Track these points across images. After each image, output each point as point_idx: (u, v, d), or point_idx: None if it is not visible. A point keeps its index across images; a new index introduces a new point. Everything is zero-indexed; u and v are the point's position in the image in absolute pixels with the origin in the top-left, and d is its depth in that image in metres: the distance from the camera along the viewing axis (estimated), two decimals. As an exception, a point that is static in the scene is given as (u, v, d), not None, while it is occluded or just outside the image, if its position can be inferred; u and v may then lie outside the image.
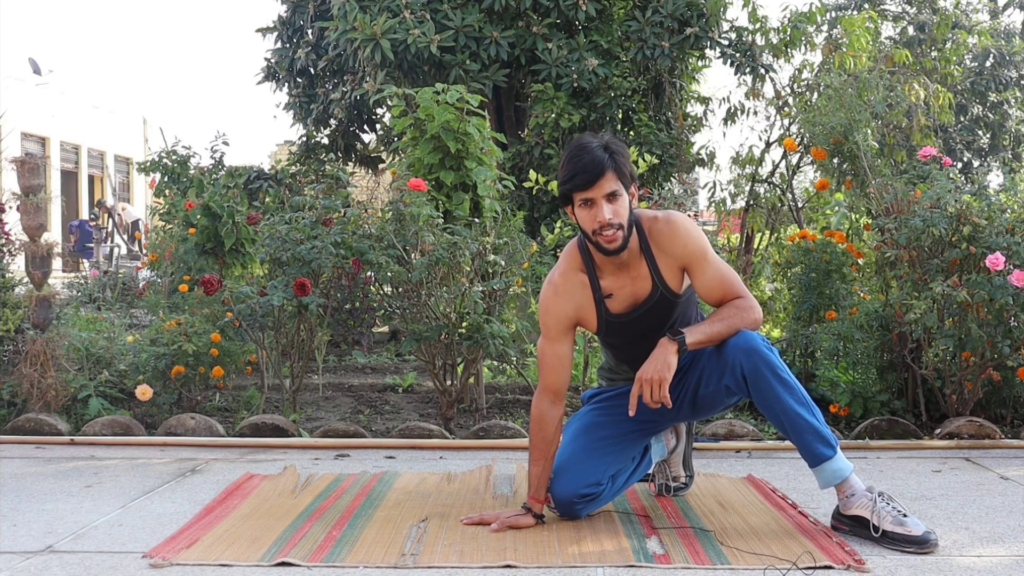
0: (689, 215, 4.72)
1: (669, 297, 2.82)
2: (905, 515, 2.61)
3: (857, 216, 5.29)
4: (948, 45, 10.34)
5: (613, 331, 2.88)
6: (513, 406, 4.69)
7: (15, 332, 4.60)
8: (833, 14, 17.01)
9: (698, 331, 2.72)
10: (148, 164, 8.90)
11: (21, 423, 4.22)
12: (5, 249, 4.80)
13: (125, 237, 14.74)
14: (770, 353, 2.69)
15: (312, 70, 10.31)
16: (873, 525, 2.62)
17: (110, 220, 14.46)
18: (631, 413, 2.73)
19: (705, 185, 8.31)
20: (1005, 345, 3.95)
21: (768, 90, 8.09)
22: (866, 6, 18.64)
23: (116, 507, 3.06)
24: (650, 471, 3.11)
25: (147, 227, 10.91)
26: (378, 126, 10.83)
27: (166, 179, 8.70)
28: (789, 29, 8.22)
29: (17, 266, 4.93)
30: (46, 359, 4.30)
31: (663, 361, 2.67)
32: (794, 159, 7.05)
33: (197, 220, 5.90)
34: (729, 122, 8.29)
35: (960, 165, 20.20)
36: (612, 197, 2.65)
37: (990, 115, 21.02)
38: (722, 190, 7.27)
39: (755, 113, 7.91)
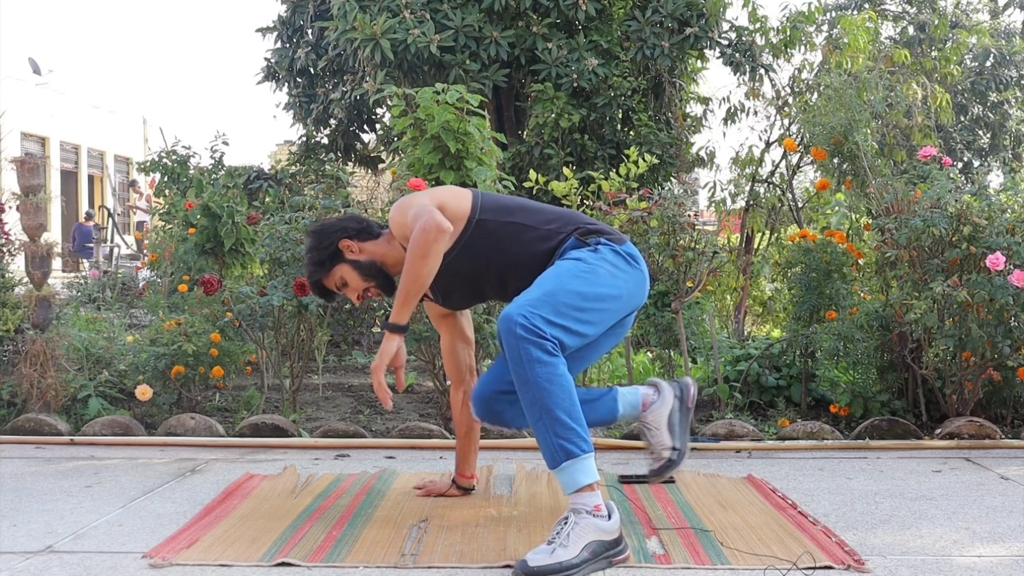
0: (689, 215, 4.71)
1: (449, 264, 2.73)
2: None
3: (857, 216, 5.29)
4: (948, 45, 10.33)
5: (441, 299, 2.97)
6: (513, 406, 4.69)
7: (15, 332, 4.60)
8: (833, 14, 17.02)
9: (396, 302, 2.69)
10: (148, 164, 8.89)
11: (21, 423, 4.21)
12: (5, 249, 4.80)
13: (146, 205, 14.77)
14: (517, 339, 2.49)
15: (312, 70, 10.31)
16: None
17: (110, 220, 14.45)
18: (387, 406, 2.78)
19: (705, 185, 8.32)
20: (1005, 345, 3.95)
21: (768, 90, 8.09)
22: (866, 6, 18.64)
23: (116, 507, 3.06)
24: (616, 424, 3.07)
25: (147, 228, 10.91)
26: (378, 126, 10.83)
27: (166, 179, 8.70)
28: (789, 29, 8.22)
29: (17, 266, 4.93)
30: (46, 359, 4.30)
31: (379, 353, 2.71)
32: (794, 159, 7.05)
33: (197, 220, 5.90)
34: (729, 122, 8.28)
35: (960, 165, 20.18)
36: (341, 285, 2.90)
37: (990, 115, 21.01)
38: (722, 190, 7.27)
39: (755, 113, 7.90)
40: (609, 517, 2.48)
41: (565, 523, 2.46)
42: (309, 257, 2.93)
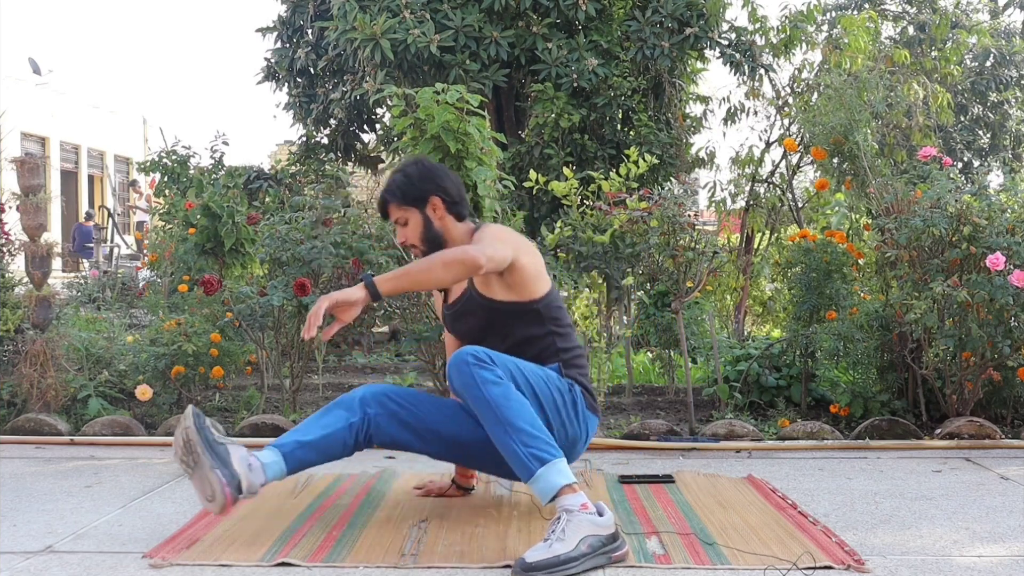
0: (689, 215, 4.71)
1: (479, 300, 2.88)
2: None
3: (857, 216, 5.29)
4: (948, 45, 10.32)
5: (447, 320, 3.08)
6: (513, 406, 4.68)
7: (15, 332, 4.60)
8: (833, 14, 17.02)
9: (394, 272, 2.70)
10: (148, 164, 8.89)
11: (21, 423, 4.21)
12: (5, 249, 4.80)
13: (146, 205, 14.76)
14: (469, 365, 2.60)
15: (312, 70, 10.30)
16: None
17: (110, 220, 14.46)
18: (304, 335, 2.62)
19: (705, 185, 8.31)
20: (1005, 345, 3.95)
21: (768, 90, 8.08)
22: (866, 6, 18.64)
23: (116, 507, 3.06)
24: None
25: (147, 227, 10.91)
26: (378, 126, 10.83)
27: (166, 179, 8.70)
28: (789, 29, 8.22)
29: (17, 266, 4.93)
30: (46, 359, 4.30)
31: (340, 292, 2.62)
32: (794, 159, 7.04)
33: (197, 220, 5.90)
34: (729, 122, 8.27)
35: (960, 165, 20.17)
36: (400, 222, 2.95)
37: (990, 115, 21.00)
38: (722, 190, 7.26)
39: (755, 113, 7.88)
40: (601, 514, 2.49)
41: (559, 521, 2.45)
42: (401, 182, 2.94)
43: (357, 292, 2.62)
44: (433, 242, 2.91)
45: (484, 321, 2.90)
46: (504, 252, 2.77)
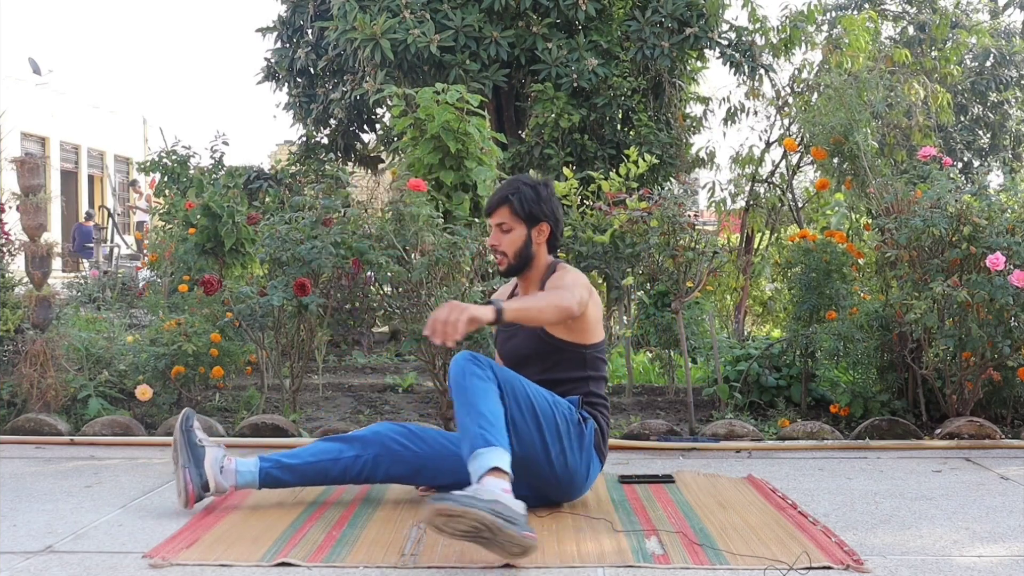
0: (689, 215, 4.71)
1: (536, 329, 3.00)
2: None
3: (857, 216, 5.29)
4: (948, 45, 10.33)
5: (499, 335, 3.23)
6: (513, 406, 4.68)
7: (15, 332, 4.60)
8: (833, 14, 17.02)
9: (517, 301, 2.84)
10: (148, 164, 8.89)
11: (21, 423, 4.21)
12: (5, 249, 4.80)
13: (146, 205, 14.76)
14: (463, 360, 2.77)
15: (312, 70, 10.31)
16: None
17: (110, 220, 14.46)
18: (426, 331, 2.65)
19: (705, 185, 8.31)
20: (1005, 345, 3.95)
21: (768, 90, 8.08)
22: (866, 6, 18.64)
23: (116, 507, 3.06)
24: None
25: (147, 228, 10.91)
26: (378, 126, 10.83)
27: (166, 179, 8.70)
28: (789, 28, 8.22)
29: (17, 266, 4.93)
30: (46, 359, 4.30)
31: (473, 306, 2.67)
32: (794, 159, 7.04)
33: (197, 220, 5.90)
34: (729, 122, 8.28)
35: (960, 165, 20.18)
36: (503, 228, 3.09)
37: (990, 115, 21.01)
38: (722, 190, 7.26)
39: (755, 113, 7.88)
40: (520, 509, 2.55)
41: (479, 483, 2.53)
42: (529, 195, 3.08)
43: (488, 314, 2.70)
44: (523, 260, 3.10)
45: (532, 350, 3.05)
46: (584, 300, 2.96)
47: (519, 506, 2.49)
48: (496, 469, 2.56)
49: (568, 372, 3.04)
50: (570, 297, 2.88)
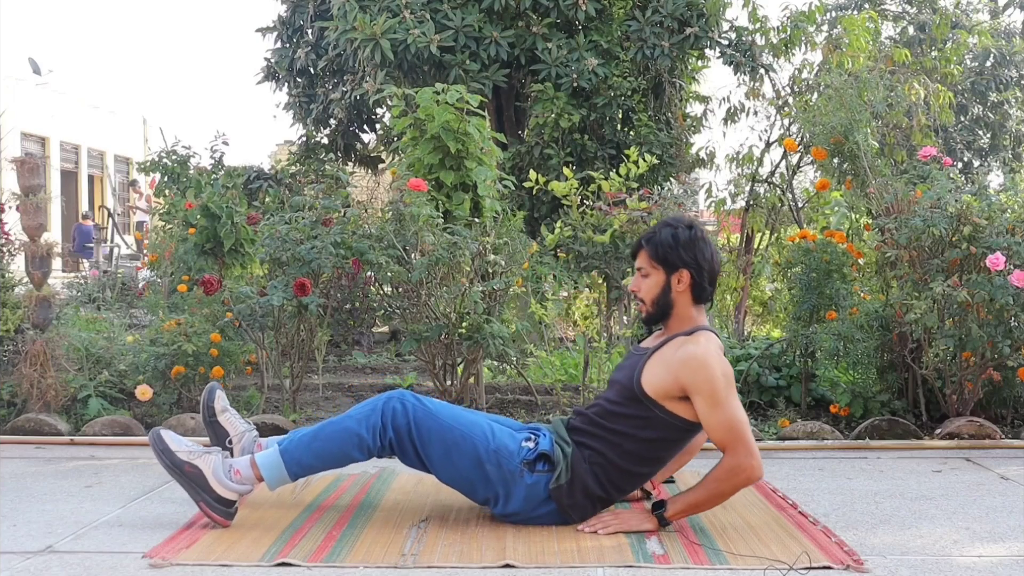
0: (689, 215, 4.71)
1: (628, 383, 2.83)
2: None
3: (857, 216, 5.28)
4: (948, 45, 10.33)
5: (628, 354, 3.10)
6: (513, 406, 4.68)
7: (15, 332, 4.60)
8: (833, 14, 17.01)
9: (680, 500, 2.76)
10: (148, 164, 8.88)
11: (21, 423, 4.21)
12: (5, 249, 4.80)
13: (146, 206, 14.76)
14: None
15: (312, 70, 10.31)
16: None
17: (110, 220, 14.46)
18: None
19: (704, 185, 8.31)
20: (1005, 345, 3.95)
21: (768, 90, 8.08)
22: (866, 6, 18.63)
23: (116, 507, 3.06)
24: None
25: (147, 228, 10.91)
26: (378, 126, 10.84)
27: (166, 179, 8.69)
28: (789, 28, 8.22)
29: (17, 266, 4.93)
30: (46, 359, 4.30)
31: (628, 520, 2.76)
32: (794, 159, 7.04)
33: (196, 220, 5.89)
34: (729, 122, 8.28)
35: (960, 165, 20.18)
36: (642, 272, 2.91)
37: (990, 115, 21.01)
38: (722, 190, 7.26)
39: (755, 113, 7.88)
40: (235, 502, 2.80)
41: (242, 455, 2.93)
42: (665, 239, 2.85)
43: (648, 525, 2.73)
44: (661, 308, 2.87)
45: (625, 390, 2.84)
46: (752, 440, 2.72)
47: (237, 487, 2.78)
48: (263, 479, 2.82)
49: (637, 430, 2.80)
50: (757, 467, 2.68)
